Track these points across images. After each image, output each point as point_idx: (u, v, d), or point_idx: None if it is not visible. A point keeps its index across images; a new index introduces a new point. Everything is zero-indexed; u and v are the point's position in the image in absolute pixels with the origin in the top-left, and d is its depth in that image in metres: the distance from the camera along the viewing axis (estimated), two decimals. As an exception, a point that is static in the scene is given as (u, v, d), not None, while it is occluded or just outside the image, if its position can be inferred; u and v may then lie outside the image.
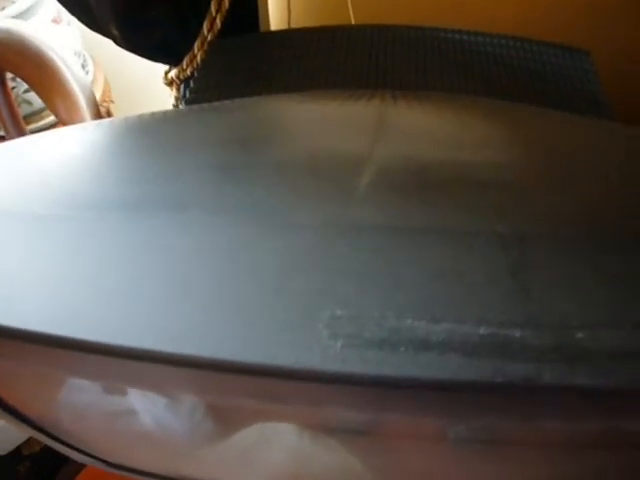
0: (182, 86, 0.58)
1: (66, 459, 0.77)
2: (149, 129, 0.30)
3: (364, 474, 0.45)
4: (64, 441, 0.47)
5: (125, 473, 0.57)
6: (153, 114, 0.31)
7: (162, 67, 0.60)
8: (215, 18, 0.51)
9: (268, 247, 0.22)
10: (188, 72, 0.55)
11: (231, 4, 0.50)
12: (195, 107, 0.39)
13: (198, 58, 0.54)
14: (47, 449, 0.75)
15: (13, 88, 0.64)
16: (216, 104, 0.36)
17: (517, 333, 0.19)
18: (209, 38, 0.52)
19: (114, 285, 0.21)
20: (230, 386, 0.21)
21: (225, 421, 0.45)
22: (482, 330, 0.20)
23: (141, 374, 0.22)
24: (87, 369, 0.24)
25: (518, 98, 0.41)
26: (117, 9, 0.46)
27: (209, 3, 0.50)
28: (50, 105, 0.52)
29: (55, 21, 0.65)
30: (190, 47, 0.53)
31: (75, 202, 0.24)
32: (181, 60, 0.54)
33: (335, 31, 0.48)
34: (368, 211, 0.24)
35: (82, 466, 0.71)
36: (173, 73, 0.56)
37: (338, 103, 0.34)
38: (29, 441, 0.69)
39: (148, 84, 0.72)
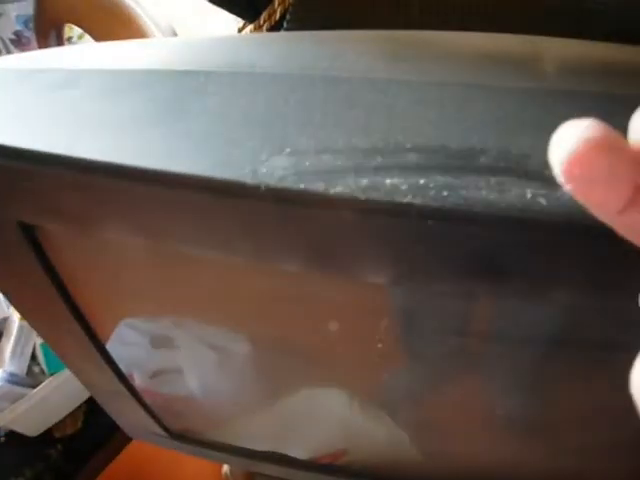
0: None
1: (99, 445, 0.72)
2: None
3: (412, 445, 0.43)
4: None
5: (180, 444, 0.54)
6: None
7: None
8: (300, -30, 0.50)
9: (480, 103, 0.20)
10: (264, 29, 0.53)
11: (318, -44, 0.49)
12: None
13: (277, 14, 0.52)
14: (80, 432, 0.70)
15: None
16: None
17: None
18: (291, -8, 0.51)
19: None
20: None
21: (273, 384, 0.43)
22: None
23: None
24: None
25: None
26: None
27: (295, -46, 0.49)
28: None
29: None
30: (269, 2, 0.52)
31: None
32: (259, 15, 0.52)
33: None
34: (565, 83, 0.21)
35: (116, 453, 0.67)
36: (248, 29, 0.54)
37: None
38: (61, 423, 0.65)
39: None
